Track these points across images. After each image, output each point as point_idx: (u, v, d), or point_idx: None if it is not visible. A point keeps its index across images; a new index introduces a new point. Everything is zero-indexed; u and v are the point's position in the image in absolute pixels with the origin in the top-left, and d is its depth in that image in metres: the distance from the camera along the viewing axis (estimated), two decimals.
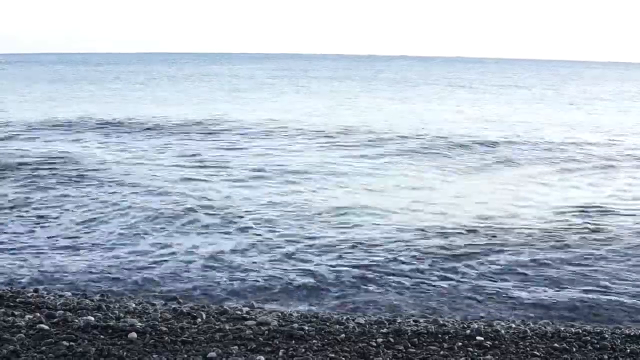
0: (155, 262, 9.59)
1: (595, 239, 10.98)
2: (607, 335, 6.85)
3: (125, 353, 5.87)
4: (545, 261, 9.83)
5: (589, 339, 6.70)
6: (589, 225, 11.79)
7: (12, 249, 10.15)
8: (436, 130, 24.93)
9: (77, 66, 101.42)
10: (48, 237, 10.77)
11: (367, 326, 6.98)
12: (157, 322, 6.75)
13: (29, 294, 7.87)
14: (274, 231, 11.19)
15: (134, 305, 7.60)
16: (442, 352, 6.24)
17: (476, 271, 9.40)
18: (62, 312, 6.96)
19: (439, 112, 33.13)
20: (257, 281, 8.91)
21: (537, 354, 6.26)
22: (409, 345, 6.35)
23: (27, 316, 6.75)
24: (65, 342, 6.01)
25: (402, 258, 9.86)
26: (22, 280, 8.80)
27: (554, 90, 54.95)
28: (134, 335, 6.29)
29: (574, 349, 6.40)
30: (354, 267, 9.49)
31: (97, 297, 8.03)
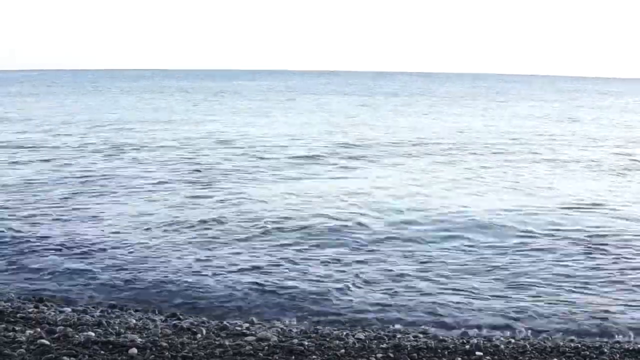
0: (156, 278, 9.59)
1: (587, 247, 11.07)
2: (606, 350, 6.87)
3: None
4: (536, 271, 9.86)
5: (588, 353, 6.72)
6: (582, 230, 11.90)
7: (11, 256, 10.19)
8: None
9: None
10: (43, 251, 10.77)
11: (367, 341, 7.00)
12: (157, 338, 6.77)
13: (30, 310, 7.88)
14: (275, 244, 11.21)
15: (134, 321, 7.61)
16: None
17: (468, 283, 9.42)
18: (62, 327, 6.98)
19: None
20: (257, 296, 8.92)
21: None
22: None
23: (28, 331, 6.77)
24: (65, 358, 6.03)
25: (395, 270, 9.88)
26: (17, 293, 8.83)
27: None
28: (134, 350, 6.31)
29: None
30: (348, 281, 9.51)
31: (98, 312, 8.04)
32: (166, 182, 16.97)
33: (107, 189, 16.10)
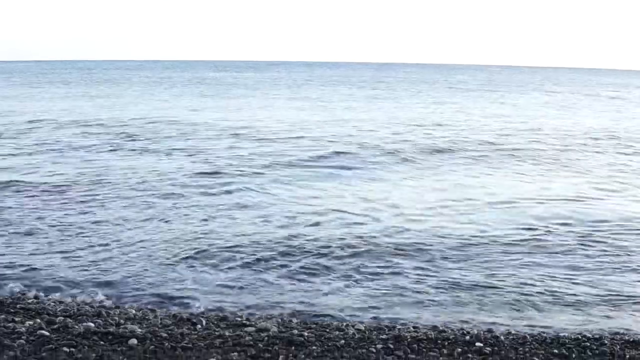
0: (153, 269, 9.59)
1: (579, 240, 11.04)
2: (606, 341, 6.86)
3: (125, 359, 5.89)
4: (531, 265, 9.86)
5: (589, 344, 6.71)
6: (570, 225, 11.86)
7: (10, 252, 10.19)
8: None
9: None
10: (44, 243, 10.77)
11: (367, 332, 6.99)
12: (157, 329, 6.77)
13: (29, 300, 7.89)
14: (278, 241, 11.19)
15: (134, 311, 7.61)
16: (441, 358, 6.26)
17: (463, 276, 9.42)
18: (62, 318, 6.97)
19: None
20: (257, 288, 8.92)
21: (537, 359, 6.28)
22: (409, 352, 6.37)
23: (28, 322, 6.77)
24: (65, 349, 6.03)
25: (396, 264, 9.88)
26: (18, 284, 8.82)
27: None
28: (134, 341, 6.31)
29: (574, 355, 6.42)
30: (351, 272, 9.50)
31: (97, 303, 8.04)
32: (172, 177, 16.81)
33: (110, 183, 16.04)
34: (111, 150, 21.37)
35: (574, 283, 9.19)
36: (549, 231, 11.81)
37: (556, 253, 10.54)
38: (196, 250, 10.40)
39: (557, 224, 12.32)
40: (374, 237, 11.31)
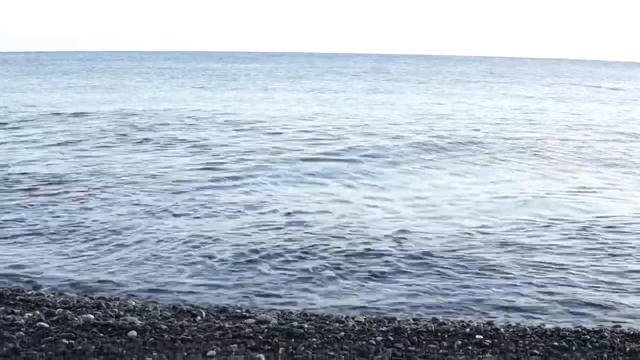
0: (154, 261, 9.60)
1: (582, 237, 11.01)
2: (606, 334, 6.85)
3: (124, 351, 5.88)
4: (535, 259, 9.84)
5: (589, 337, 6.69)
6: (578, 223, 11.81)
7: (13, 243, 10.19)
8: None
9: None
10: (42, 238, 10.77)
11: (367, 324, 6.98)
12: (157, 320, 6.77)
13: (29, 292, 7.88)
14: (268, 233, 11.18)
15: (133, 303, 7.61)
16: (441, 351, 6.23)
17: (467, 270, 9.40)
18: (61, 310, 6.97)
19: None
20: (258, 279, 8.91)
21: (537, 352, 6.26)
22: (409, 344, 6.35)
23: (27, 314, 6.77)
24: (64, 340, 6.02)
25: (397, 256, 9.87)
26: (19, 277, 8.81)
27: None
28: (133, 333, 6.30)
29: (574, 348, 6.40)
30: (351, 264, 9.50)
31: (97, 295, 8.04)
32: (174, 171, 16.68)
33: (111, 175, 16.01)
34: (113, 142, 21.33)
35: (574, 276, 9.18)
36: (549, 224, 11.79)
37: (556, 246, 10.52)
38: (197, 243, 10.40)
39: (558, 216, 12.30)
40: (374, 231, 11.30)
